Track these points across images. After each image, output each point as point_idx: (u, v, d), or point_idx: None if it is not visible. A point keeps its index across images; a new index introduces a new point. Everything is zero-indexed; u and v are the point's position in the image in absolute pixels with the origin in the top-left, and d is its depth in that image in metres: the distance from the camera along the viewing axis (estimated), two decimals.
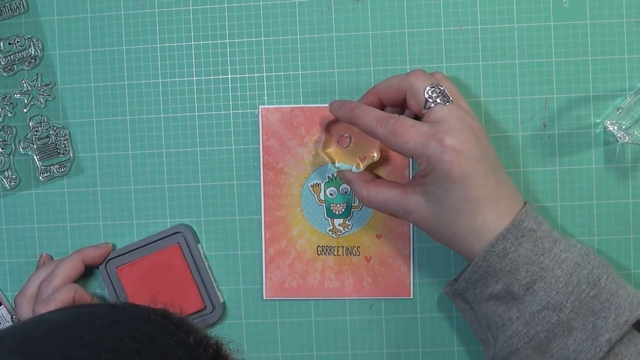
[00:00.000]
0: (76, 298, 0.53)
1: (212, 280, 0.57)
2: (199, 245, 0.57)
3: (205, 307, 0.57)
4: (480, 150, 0.47)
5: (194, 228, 0.58)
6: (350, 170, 0.54)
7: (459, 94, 0.51)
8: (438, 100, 0.48)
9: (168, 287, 0.56)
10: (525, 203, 0.48)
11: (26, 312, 0.54)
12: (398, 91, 0.50)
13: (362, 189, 0.52)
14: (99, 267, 0.57)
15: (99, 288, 0.59)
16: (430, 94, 0.48)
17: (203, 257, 0.58)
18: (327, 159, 0.54)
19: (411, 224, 0.57)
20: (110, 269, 0.57)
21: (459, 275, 0.51)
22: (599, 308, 0.45)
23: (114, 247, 0.58)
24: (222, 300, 0.58)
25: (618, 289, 0.46)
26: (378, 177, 0.55)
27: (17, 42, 0.59)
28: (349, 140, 0.55)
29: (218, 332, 0.58)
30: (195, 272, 0.57)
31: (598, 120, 0.56)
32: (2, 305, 0.59)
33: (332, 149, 0.55)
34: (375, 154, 0.54)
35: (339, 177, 0.55)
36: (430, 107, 0.48)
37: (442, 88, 0.48)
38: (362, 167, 0.54)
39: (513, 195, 0.48)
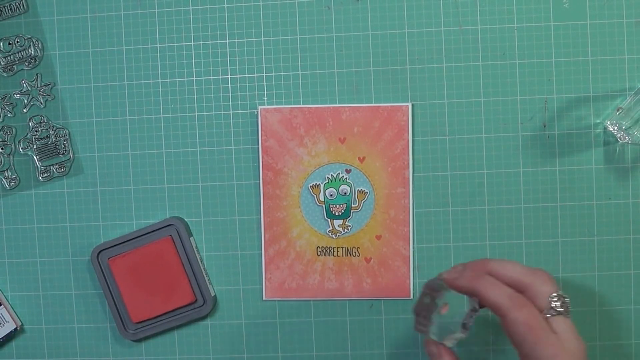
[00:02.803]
0: None
1: (204, 273, 0.58)
2: (191, 238, 0.58)
3: (196, 300, 0.57)
4: None
5: (192, 226, 0.58)
6: (439, 343, 0.50)
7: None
8: (561, 310, 0.46)
9: (159, 279, 0.57)
10: None
11: None
12: (516, 284, 0.47)
13: None
14: (91, 258, 0.57)
15: (90, 280, 0.59)
16: (555, 302, 0.46)
17: (195, 250, 0.58)
18: (421, 325, 0.50)
19: (411, 225, 0.57)
20: (102, 260, 0.57)
21: None
22: None
23: None
24: (213, 294, 0.58)
25: None
26: None
27: (17, 42, 0.59)
28: (444, 306, 0.51)
29: (218, 333, 0.59)
30: (187, 265, 0.57)
31: (598, 121, 0.56)
32: (2, 306, 0.59)
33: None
34: (463, 335, 0.50)
35: (426, 348, 0.51)
36: (551, 316, 0.46)
37: (564, 298, 0.46)
38: (448, 344, 0.50)
39: None
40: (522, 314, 0.45)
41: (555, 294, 0.46)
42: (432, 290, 0.50)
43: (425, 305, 0.50)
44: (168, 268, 0.57)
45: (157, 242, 0.57)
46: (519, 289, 0.46)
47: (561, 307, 0.46)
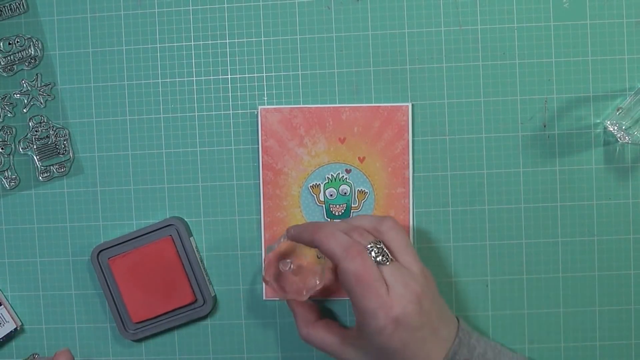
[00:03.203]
0: None
1: (204, 273, 0.58)
2: (191, 238, 0.58)
3: (196, 300, 0.57)
4: (421, 318, 0.46)
5: (192, 226, 0.58)
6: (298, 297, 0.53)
7: (405, 245, 0.48)
8: (378, 259, 0.46)
9: (159, 279, 0.57)
10: (458, 330, 0.48)
11: None
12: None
13: (303, 326, 0.52)
14: (91, 258, 0.57)
15: (90, 280, 0.59)
16: (369, 254, 0.46)
17: (195, 250, 0.58)
18: (272, 287, 0.54)
19: (411, 225, 0.57)
20: (102, 260, 0.57)
21: None
22: None
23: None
24: (213, 294, 0.58)
25: None
26: (321, 318, 0.54)
27: (17, 42, 0.59)
28: (289, 265, 0.55)
29: (218, 333, 0.59)
30: (187, 265, 0.57)
31: (598, 121, 0.56)
32: (2, 306, 0.59)
33: (275, 275, 0.55)
34: (317, 282, 0.53)
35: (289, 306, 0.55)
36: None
37: (380, 247, 0.47)
38: (304, 296, 0.52)
39: (447, 330, 0.48)
40: (353, 264, 0.45)
41: (367, 246, 0.46)
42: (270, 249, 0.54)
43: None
44: (168, 268, 0.57)
45: (157, 242, 0.57)
46: None
47: (375, 256, 0.46)
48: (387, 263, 0.46)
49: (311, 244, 0.49)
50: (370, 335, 0.46)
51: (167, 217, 0.58)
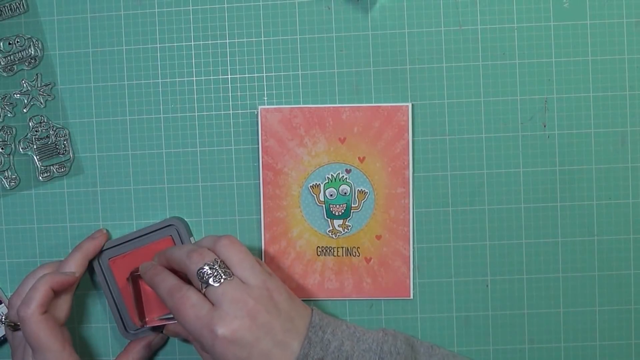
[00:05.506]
0: (55, 288, 0.52)
1: None
2: (191, 238, 0.58)
3: None
4: (256, 332, 0.46)
5: (192, 226, 0.58)
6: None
7: (241, 259, 0.49)
8: (210, 281, 0.47)
9: None
10: (308, 329, 0.48)
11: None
12: (182, 269, 0.50)
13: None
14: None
15: (90, 280, 0.59)
16: (202, 276, 0.47)
17: None
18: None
19: (411, 225, 0.57)
20: (102, 260, 0.57)
21: None
22: None
23: (108, 234, 0.58)
24: None
25: None
26: None
27: (17, 42, 0.59)
28: None
29: None
30: None
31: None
32: (3, 304, 0.59)
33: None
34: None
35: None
36: (205, 288, 0.47)
37: (215, 268, 0.48)
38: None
39: (298, 338, 0.48)
40: (174, 299, 0.47)
41: (200, 269, 0.47)
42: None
43: None
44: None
45: (157, 242, 0.57)
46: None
47: (208, 277, 0.47)
48: (221, 282, 0.47)
49: (152, 289, 0.51)
50: (210, 355, 0.47)
51: (167, 217, 0.58)
